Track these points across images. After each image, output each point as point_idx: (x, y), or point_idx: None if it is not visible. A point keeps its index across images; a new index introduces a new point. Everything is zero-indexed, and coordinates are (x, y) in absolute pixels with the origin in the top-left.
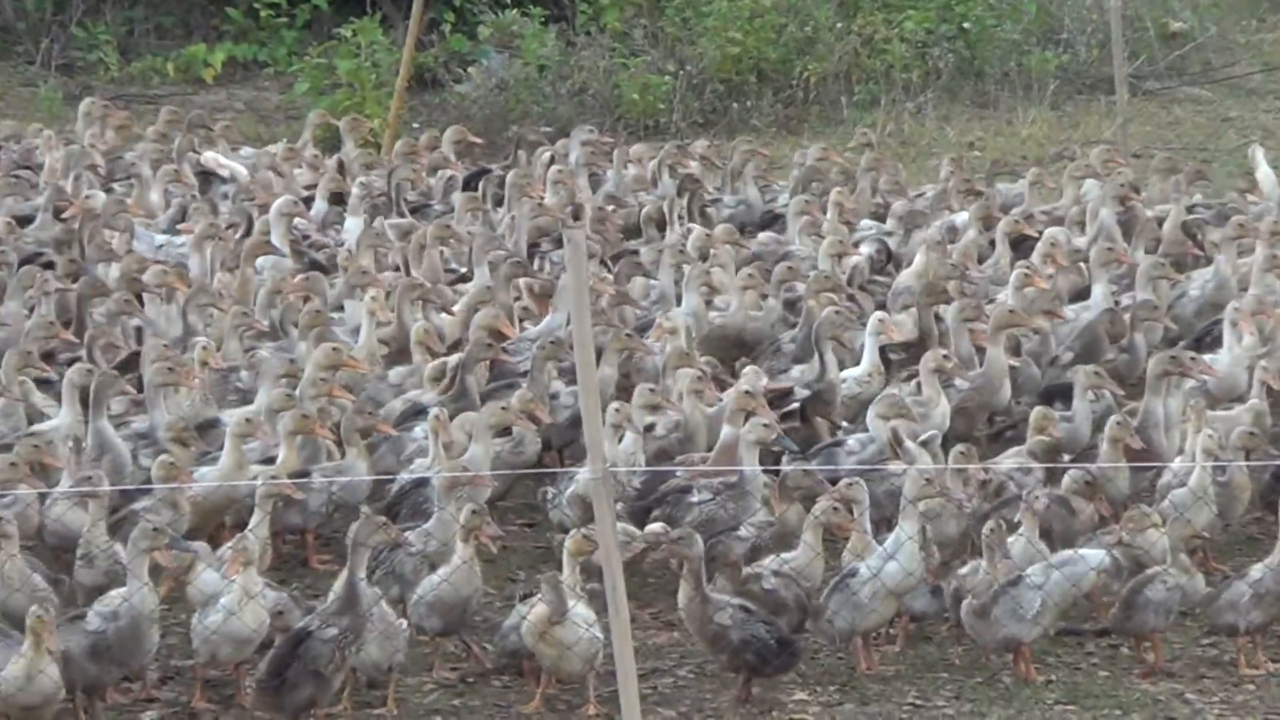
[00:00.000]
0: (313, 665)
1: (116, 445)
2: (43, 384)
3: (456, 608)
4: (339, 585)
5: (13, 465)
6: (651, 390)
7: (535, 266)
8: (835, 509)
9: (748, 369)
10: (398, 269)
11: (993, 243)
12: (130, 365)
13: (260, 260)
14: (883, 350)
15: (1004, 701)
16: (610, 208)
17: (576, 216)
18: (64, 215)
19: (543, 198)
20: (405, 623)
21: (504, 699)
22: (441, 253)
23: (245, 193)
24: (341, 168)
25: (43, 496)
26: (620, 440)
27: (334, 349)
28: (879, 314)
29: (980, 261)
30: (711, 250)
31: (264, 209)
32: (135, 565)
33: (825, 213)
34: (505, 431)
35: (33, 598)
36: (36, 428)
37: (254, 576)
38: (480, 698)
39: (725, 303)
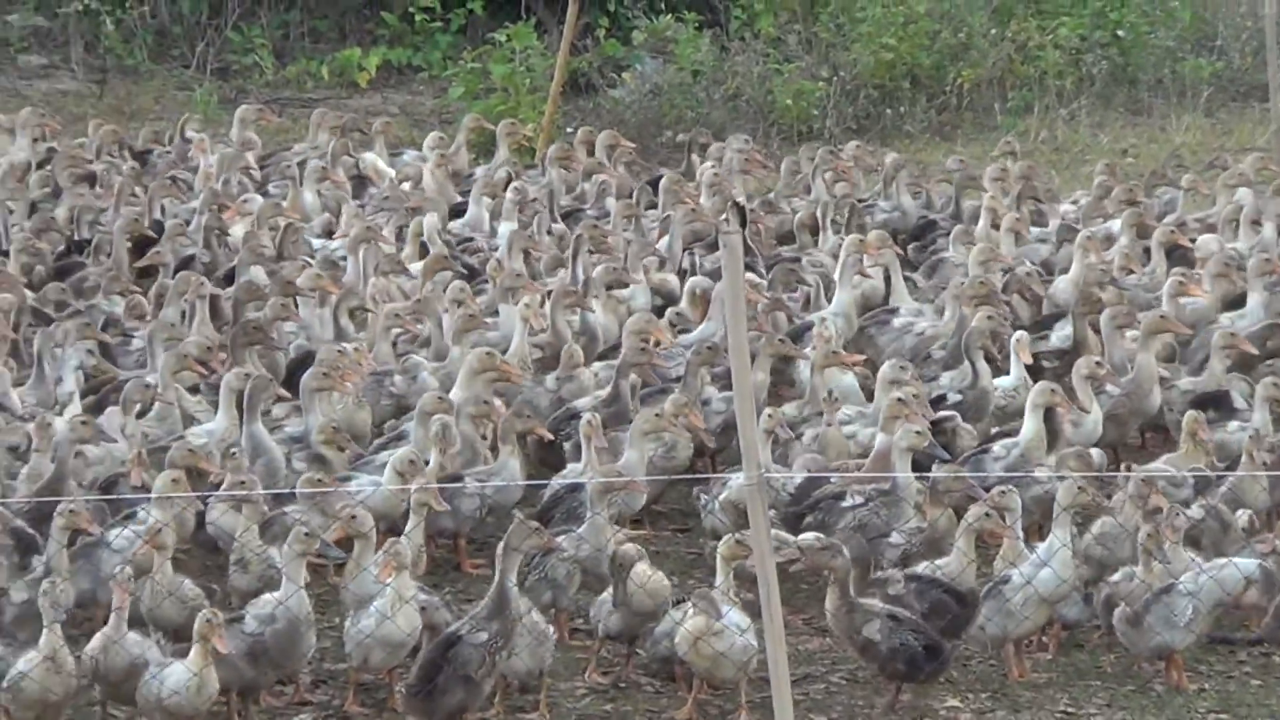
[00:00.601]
0: (463, 670)
1: (271, 449)
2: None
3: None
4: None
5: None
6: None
7: (688, 270)
8: (988, 515)
9: (887, 364)
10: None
11: (1147, 250)
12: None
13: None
14: (1037, 356)
15: (1156, 710)
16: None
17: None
18: (221, 218)
19: (697, 202)
20: (553, 629)
21: (656, 704)
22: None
23: (397, 198)
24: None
25: (200, 500)
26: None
27: (487, 354)
28: (1019, 334)
29: (1133, 270)
30: (864, 256)
31: (416, 212)
32: (291, 569)
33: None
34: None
35: (183, 605)
36: (191, 431)
37: (407, 581)
38: (632, 703)
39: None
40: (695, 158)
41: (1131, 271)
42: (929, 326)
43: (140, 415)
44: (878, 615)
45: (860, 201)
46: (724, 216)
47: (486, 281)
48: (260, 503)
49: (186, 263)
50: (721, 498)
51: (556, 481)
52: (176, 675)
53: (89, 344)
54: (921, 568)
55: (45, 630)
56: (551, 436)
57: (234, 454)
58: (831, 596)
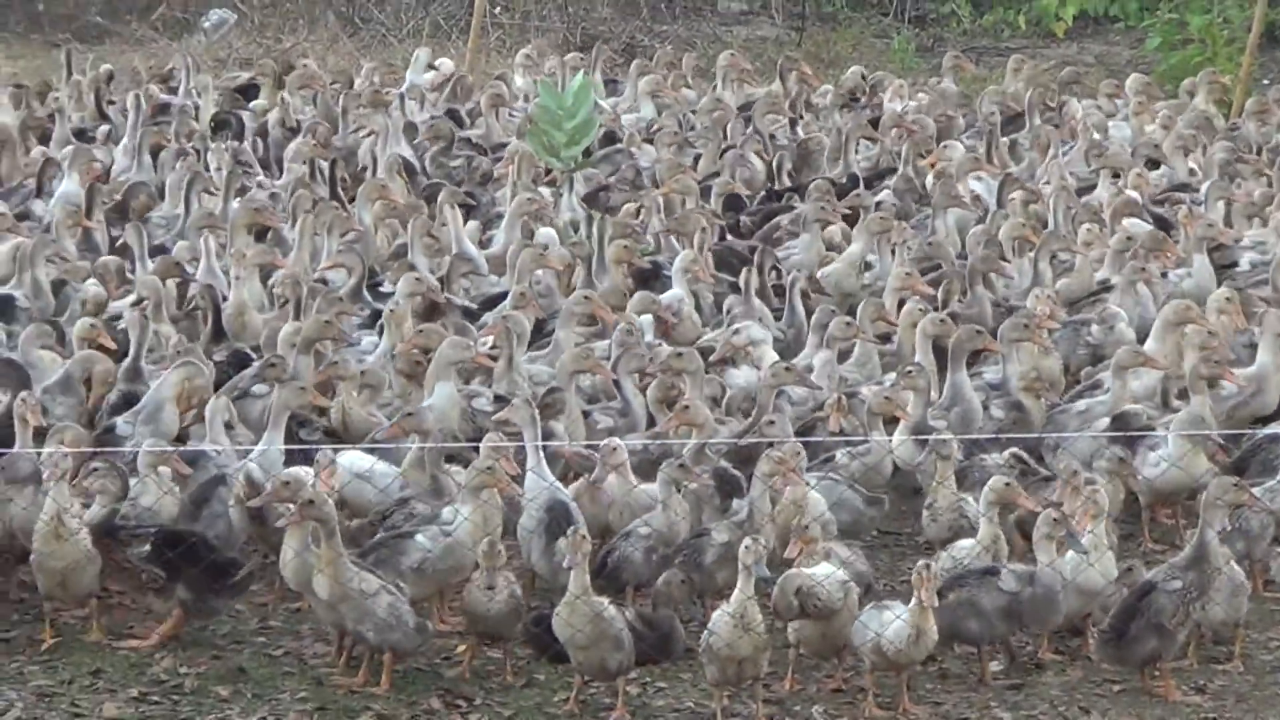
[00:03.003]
0: (1156, 619)
1: (970, 398)
2: None
3: None
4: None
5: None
6: None
7: None
8: None
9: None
10: None
11: None
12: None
13: None
14: None
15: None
16: None
17: None
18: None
19: None
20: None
21: None
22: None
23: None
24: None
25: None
26: None
27: (1187, 306)
28: None
29: None
30: None
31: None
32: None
33: None
34: None
35: None
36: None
37: (1103, 529)
38: None
39: None
40: None
41: None
42: None
43: (841, 360)
44: None
45: None
46: None
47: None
48: (954, 452)
49: None
50: None
51: (1257, 431)
52: (897, 628)
53: None
54: None
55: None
56: None
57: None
58: None
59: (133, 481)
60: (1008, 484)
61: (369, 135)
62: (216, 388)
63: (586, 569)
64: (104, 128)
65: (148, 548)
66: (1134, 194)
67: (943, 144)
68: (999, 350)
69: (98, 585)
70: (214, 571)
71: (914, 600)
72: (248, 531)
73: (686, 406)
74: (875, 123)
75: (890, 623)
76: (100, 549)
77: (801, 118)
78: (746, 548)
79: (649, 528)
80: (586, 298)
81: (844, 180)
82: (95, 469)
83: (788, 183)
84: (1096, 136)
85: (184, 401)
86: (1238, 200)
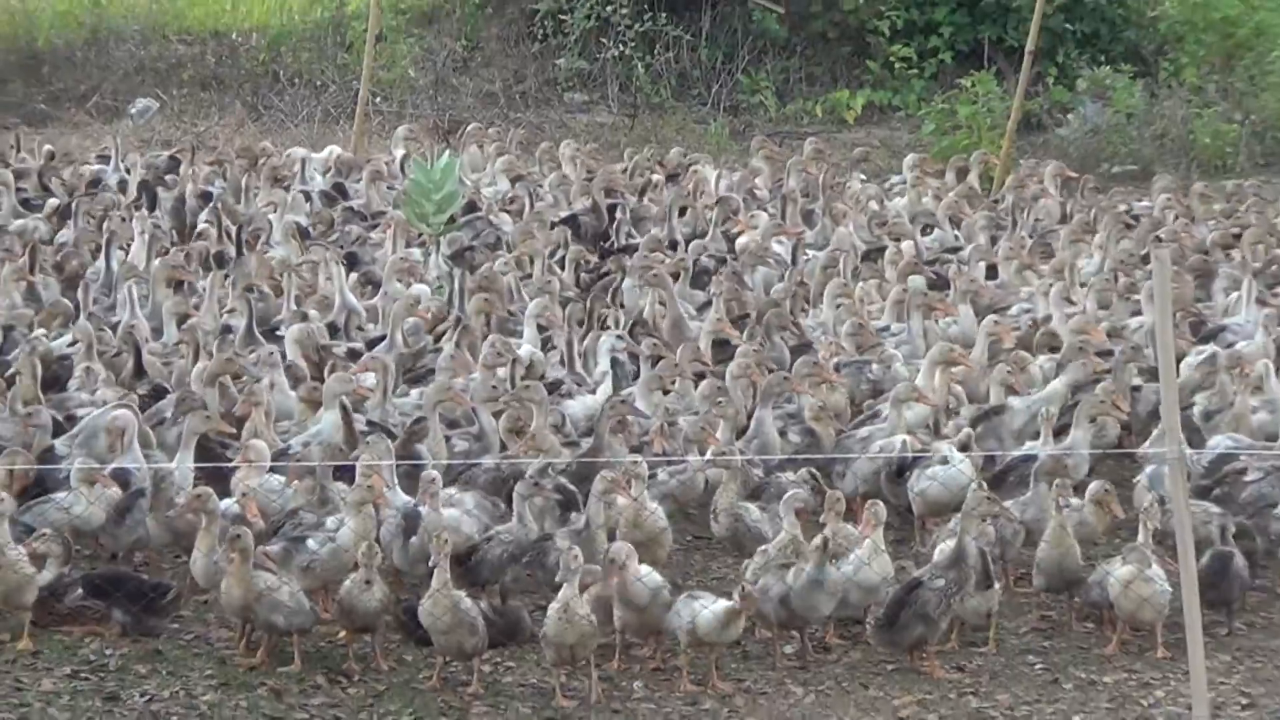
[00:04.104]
0: (922, 610)
1: (769, 431)
2: None
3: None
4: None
5: None
6: None
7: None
8: None
9: None
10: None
11: None
12: None
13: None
14: None
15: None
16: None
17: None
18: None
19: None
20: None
21: (1085, 642)
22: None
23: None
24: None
25: None
26: None
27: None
28: None
29: None
30: None
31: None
32: None
33: None
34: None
35: None
36: None
37: (879, 536)
38: (1066, 640)
39: None
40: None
41: None
42: None
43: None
44: None
45: None
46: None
47: None
48: None
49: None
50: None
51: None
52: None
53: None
54: None
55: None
56: None
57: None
58: None
59: (65, 494)
60: (802, 498)
61: (267, 205)
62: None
63: (446, 566)
64: (51, 200)
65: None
66: (912, 254)
67: (750, 213)
68: (799, 389)
69: (34, 598)
70: (147, 598)
71: (734, 595)
72: (164, 536)
73: (533, 435)
74: (695, 193)
75: (700, 612)
76: (48, 605)
77: (644, 191)
78: (574, 554)
79: (508, 535)
80: (453, 356)
81: (668, 243)
82: (43, 534)
83: (626, 243)
84: (875, 206)
85: (115, 432)
86: (999, 260)
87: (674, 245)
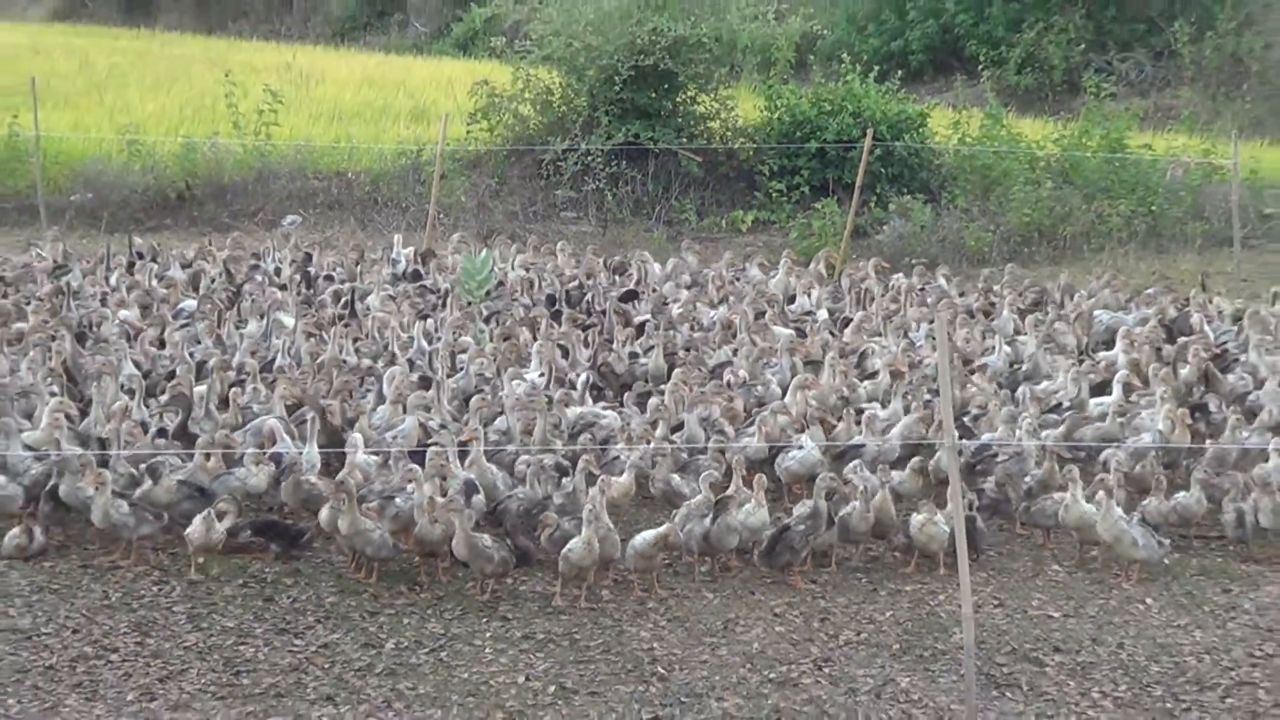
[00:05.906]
0: (790, 543)
1: (696, 429)
2: None
3: None
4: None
5: None
6: None
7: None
8: None
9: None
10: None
11: None
12: None
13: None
14: None
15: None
16: None
17: None
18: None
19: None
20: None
21: (895, 565)
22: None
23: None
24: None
25: None
26: None
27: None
28: None
29: None
30: None
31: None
32: None
33: None
34: None
35: None
36: None
37: (762, 496)
38: (882, 564)
39: None
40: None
41: None
42: None
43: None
44: None
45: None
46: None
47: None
48: None
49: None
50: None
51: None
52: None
53: None
54: None
55: None
56: None
57: None
58: None
59: (240, 469)
60: (714, 477)
61: (370, 284)
62: None
63: (468, 521)
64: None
65: (248, 532)
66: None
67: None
68: (712, 401)
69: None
70: (291, 536)
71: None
72: (297, 498)
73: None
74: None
75: (641, 535)
76: (228, 542)
77: (613, 279)
78: (594, 510)
79: (521, 495)
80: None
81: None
82: (225, 497)
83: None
84: (760, 286)
85: (268, 432)
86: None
87: (632, 296)
